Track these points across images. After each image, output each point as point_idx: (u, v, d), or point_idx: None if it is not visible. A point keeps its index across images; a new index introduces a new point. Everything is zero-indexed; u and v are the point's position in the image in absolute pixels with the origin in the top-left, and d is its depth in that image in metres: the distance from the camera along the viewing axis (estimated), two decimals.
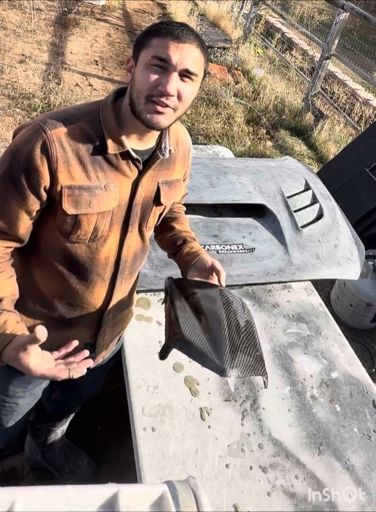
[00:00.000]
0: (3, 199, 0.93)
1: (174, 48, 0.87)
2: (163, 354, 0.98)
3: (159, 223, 1.15)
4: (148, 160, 1.00)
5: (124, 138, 0.94)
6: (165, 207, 1.11)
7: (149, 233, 1.14)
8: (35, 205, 0.93)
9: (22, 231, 0.97)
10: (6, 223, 0.94)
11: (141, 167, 0.99)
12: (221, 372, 0.93)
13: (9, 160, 0.92)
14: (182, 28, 0.89)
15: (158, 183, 1.05)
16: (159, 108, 0.89)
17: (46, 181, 0.90)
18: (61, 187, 0.91)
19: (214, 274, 1.13)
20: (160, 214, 1.12)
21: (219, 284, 1.12)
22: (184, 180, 1.17)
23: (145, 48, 0.89)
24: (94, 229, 0.98)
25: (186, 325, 0.97)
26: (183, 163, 1.12)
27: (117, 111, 0.96)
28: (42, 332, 0.82)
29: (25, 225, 0.96)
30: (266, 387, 0.99)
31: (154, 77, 0.87)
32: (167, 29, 0.88)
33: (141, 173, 1.00)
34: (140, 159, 0.97)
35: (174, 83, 0.88)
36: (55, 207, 0.95)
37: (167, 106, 0.89)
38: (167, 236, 1.26)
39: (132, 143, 0.96)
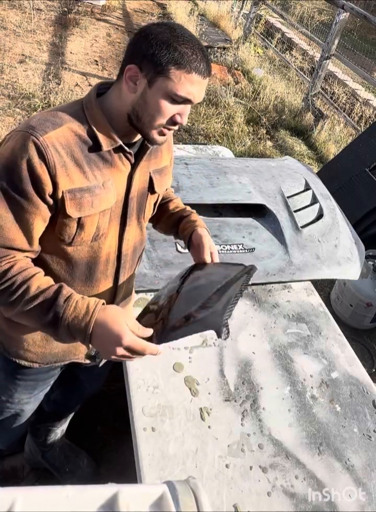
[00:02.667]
0: (14, 215, 0.88)
1: (199, 87, 0.90)
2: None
3: (154, 212, 1.17)
4: (139, 152, 1.01)
5: (114, 134, 0.94)
6: (159, 195, 1.14)
7: (146, 223, 1.16)
8: (47, 211, 0.91)
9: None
10: (26, 238, 0.91)
11: (133, 160, 1.00)
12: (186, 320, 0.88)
13: (6, 174, 0.87)
14: (204, 57, 0.88)
15: (150, 173, 1.06)
16: (166, 132, 0.95)
17: (49, 187, 0.88)
18: (62, 192, 0.90)
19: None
20: (155, 203, 1.14)
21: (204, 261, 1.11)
22: (170, 165, 1.19)
23: (164, 77, 0.87)
24: (96, 228, 0.98)
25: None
26: (168, 149, 1.15)
27: (104, 109, 0.95)
28: None
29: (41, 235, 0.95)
30: (218, 337, 0.91)
31: (174, 111, 0.91)
32: (192, 62, 0.86)
33: (133, 166, 1.01)
34: (131, 151, 0.98)
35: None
36: (55, 214, 0.93)
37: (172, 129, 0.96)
38: (164, 218, 1.28)
39: (121, 138, 0.97)
